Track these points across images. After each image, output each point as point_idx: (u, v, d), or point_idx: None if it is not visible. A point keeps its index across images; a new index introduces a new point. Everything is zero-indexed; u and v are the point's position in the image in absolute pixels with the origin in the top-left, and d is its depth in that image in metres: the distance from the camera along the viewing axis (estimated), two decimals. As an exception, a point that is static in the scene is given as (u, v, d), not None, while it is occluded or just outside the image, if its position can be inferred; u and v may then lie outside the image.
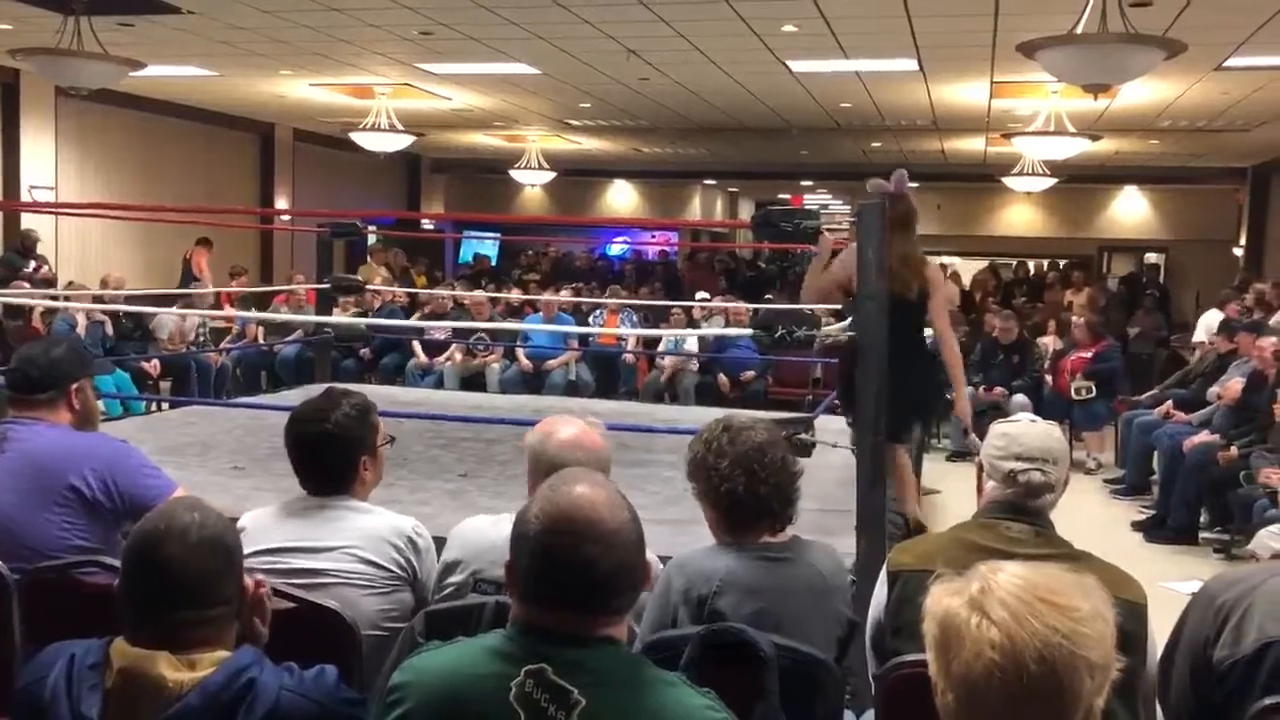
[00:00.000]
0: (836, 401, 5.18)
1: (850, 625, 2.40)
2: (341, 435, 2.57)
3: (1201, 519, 6.65)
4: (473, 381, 9.65)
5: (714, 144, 16.07)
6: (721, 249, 19.80)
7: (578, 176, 19.92)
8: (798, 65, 9.78)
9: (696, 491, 2.53)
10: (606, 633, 1.64)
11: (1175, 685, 2.21)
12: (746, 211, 25.90)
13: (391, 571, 2.49)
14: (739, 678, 2.10)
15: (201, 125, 14.16)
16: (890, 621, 2.31)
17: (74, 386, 2.90)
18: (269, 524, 2.53)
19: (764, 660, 2.13)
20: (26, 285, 9.12)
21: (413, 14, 8.16)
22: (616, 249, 22.11)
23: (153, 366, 9.06)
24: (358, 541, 2.48)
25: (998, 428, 2.40)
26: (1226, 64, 9.07)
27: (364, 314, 10.27)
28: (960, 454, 8.73)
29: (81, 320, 8.75)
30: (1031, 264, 18.41)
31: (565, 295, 11.42)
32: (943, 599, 1.42)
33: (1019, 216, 20.15)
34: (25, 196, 11.25)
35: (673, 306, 10.66)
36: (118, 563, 1.88)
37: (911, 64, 9.52)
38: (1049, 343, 9.95)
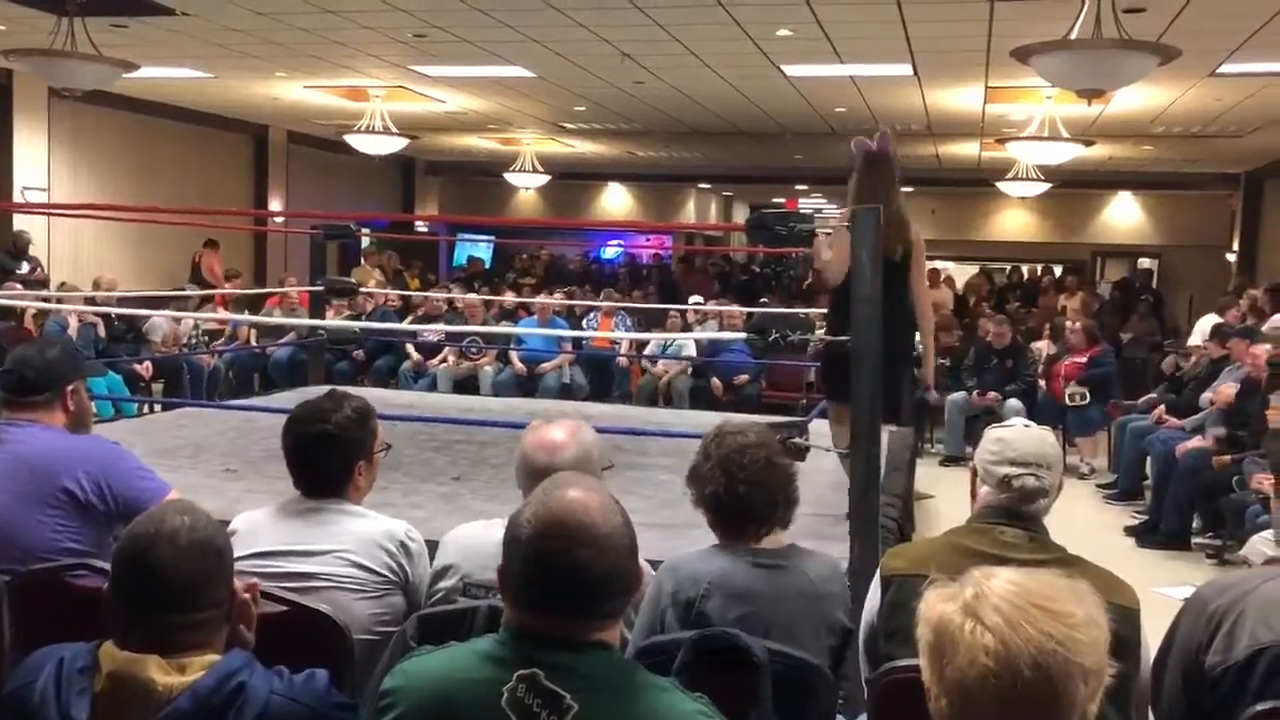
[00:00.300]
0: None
1: (845, 633, 2.39)
2: (341, 437, 2.56)
3: (1194, 524, 6.66)
4: (466, 384, 9.63)
5: (708, 148, 16.09)
6: (716, 252, 19.81)
7: (572, 179, 19.93)
8: (792, 69, 9.79)
9: (693, 498, 2.54)
10: (599, 637, 1.64)
11: (1167, 691, 2.21)
12: (741, 215, 25.92)
13: (383, 576, 2.48)
14: (732, 683, 2.09)
15: (195, 127, 14.14)
16: (883, 626, 2.31)
17: (69, 388, 2.89)
18: (261, 527, 2.52)
19: (757, 665, 2.13)
20: (19, 286, 9.09)
21: (407, 16, 8.15)
22: (610, 252, 22.11)
23: (145, 368, 9.03)
24: (350, 545, 2.47)
25: (992, 433, 2.40)
26: (1220, 70, 9.09)
27: (357, 317, 10.25)
28: (954, 459, 8.75)
29: (73, 322, 8.71)
30: (1025, 269, 18.45)
31: (557, 298, 11.40)
32: (937, 604, 1.41)
33: (1013, 221, 20.19)
34: (18, 197, 11.23)
35: (667, 310, 10.65)
36: (108, 566, 1.87)
37: (906, 69, 9.53)
38: (1042, 347, 9.97)
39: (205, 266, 13.24)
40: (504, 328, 10.09)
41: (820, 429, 4.58)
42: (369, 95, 11.97)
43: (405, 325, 10.17)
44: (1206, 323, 9.60)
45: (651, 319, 11.29)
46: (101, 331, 9.13)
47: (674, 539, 2.77)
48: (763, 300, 12.66)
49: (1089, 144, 11.82)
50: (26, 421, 2.80)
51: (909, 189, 4.50)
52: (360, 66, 10.40)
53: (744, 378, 9.48)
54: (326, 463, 2.56)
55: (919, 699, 1.44)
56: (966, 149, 15.01)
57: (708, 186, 23.61)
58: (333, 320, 8.65)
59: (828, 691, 2.22)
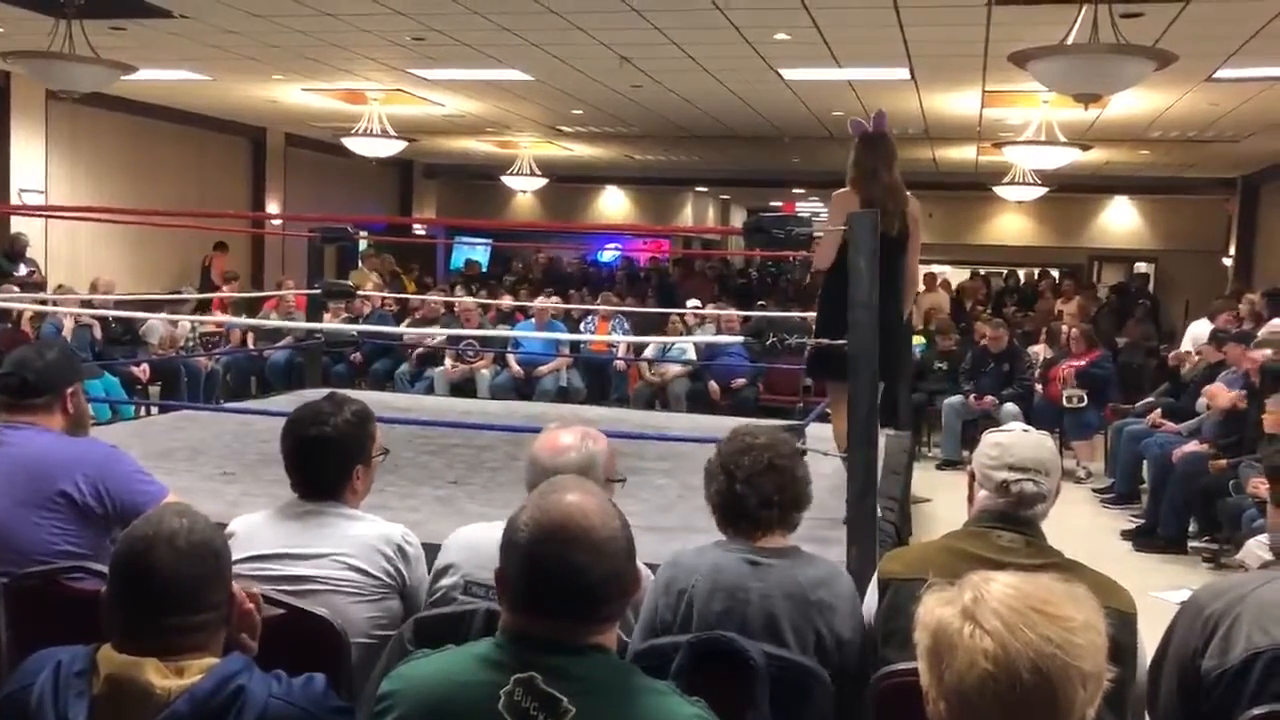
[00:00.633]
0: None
1: (838, 643, 2.38)
2: (339, 440, 2.56)
3: (1190, 528, 6.66)
4: (463, 387, 9.62)
5: (706, 151, 16.10)
6: (713, 256, 19.82)
7: (570, 183, 19.94)
8: (790, 73, 9.80)
9: (706, 493, 2.58)
10: (596, 641, 1.64)
11: (1164, 695, 2.21)
12: (738, 218, 25.95)
13: (381, 579, 2.48)
14: (729, 686, 2.10)
15: (193, 129, 14.14)
16: (880, 630, 2.32)
17: (68, 391, 2.90)
18: (259, 529, 2.52)
19: (754, 669, 2.14)
20: (16, 289, 9.08)
21: (405, 19, 8.15)
22: (608, 255, 22.13)
23: (142, 371, 9.02)
24: (347, 549, 2.47)
25: (990, 437, 2.40)
26: (1216, 75, 9.11)
27: (354, 319, 10.24)
28: (951, 463, 8.76)
29: (68, 324, 8.70)
30: (1022, 273, 18.47)
31: (548, 301, 11.38)
32: (935, 608, 1.42)
33: (1010, 225, 20.21)
34: (15, 200, 11.22)
35: (668, 314, 10.65)
36: (106, 569, 1.87)
37: (903, 73, 9.55)
38: (1039, 351, 9.98)
39: (215, 270, 13.27)
40: (502, 331, 10.08)
41: (818, 433, 4.58)
42: (367, 98, 11.98)
43: (403, 328, 10.16)
44: (1198, 328, 9.61)
45: (648, 323, 11.27)
46: (98, 334, 9.13)
47: (671, 542, 2.77)
48: (761, 303, 12.66)
49: (1086, 148, 11.84)
50: (25, 424, 2.80)
51: (907, 192, 4.48)
52: (358, 69, 10.40)
53: (741, 381, 9.48)
54: (325, 465, 2.56)
55: (916, 702, 1.45)
56: (963, 153, 15.03)
57: (705, 190, 23.62)
58: (330, 323, 8.65)
59: (824, 695, 2.22)
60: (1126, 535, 6.93)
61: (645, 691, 1.63)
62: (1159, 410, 7.85)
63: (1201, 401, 7.33)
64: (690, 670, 2.13)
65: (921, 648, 1.42)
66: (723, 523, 2.51)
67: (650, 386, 9.74)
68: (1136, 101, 10.22)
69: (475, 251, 20.48)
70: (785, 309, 10.51)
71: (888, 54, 8.77)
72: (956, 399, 9.01)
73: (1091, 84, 6.52)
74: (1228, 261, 16.76)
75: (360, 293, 9.85)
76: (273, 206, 15.64)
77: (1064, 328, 9.80)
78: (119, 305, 9.11)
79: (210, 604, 1.78)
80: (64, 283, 10.79)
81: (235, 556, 2.35)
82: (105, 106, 11.85)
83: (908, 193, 4.20)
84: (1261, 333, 7.33)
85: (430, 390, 9.52)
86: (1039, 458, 2.31)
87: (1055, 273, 18.33)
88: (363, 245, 14.94)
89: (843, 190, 4.13)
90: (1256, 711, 1.99)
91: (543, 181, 17.28)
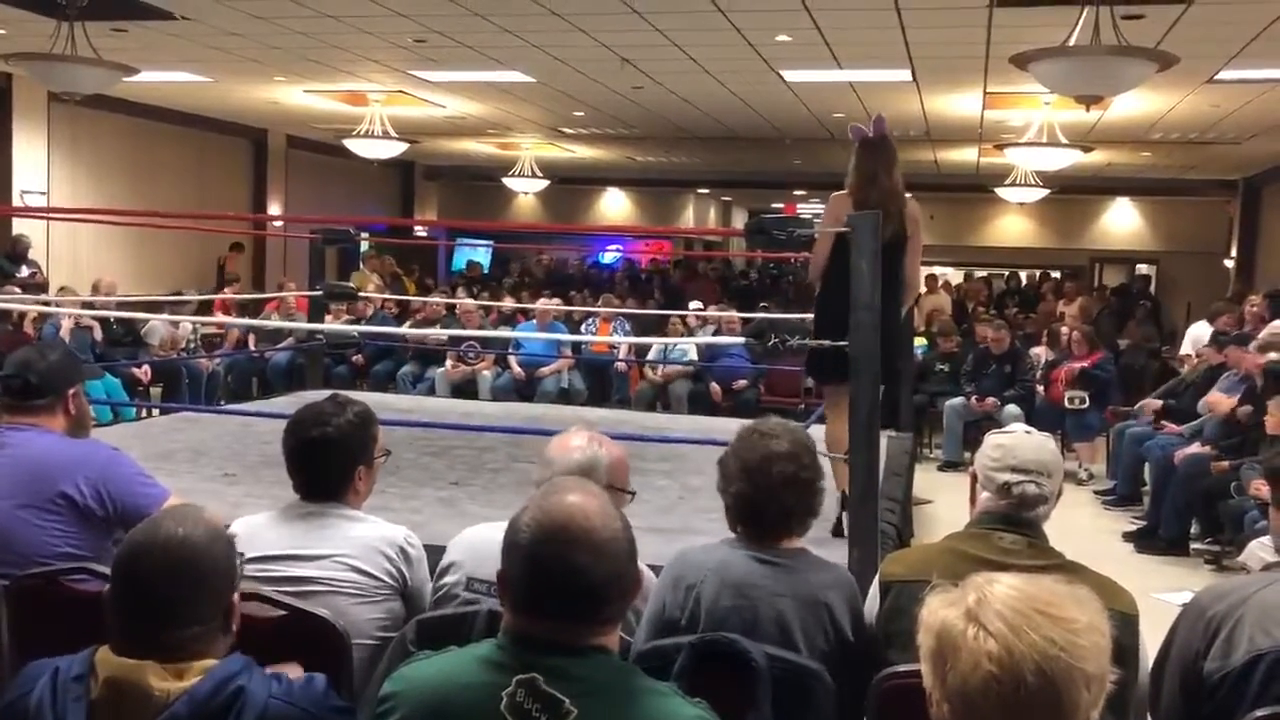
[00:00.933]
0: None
1: (842, 642, 2.38)
2: (342, 442, 2.56)
3: (1192, 530, 6.66)
4: (464, 389, 9.62)
5: (707, 152, 16.10)
6: (715, 257, 19.82)
7: (571, 184, 19.94)
8: (791, 75, 9.80)
9: (718, 484, 2.56)
10: (598, 642, 1.64)
11: (1166, 697, 2.21)
12: (739, 220, 25.97)
13: (382, 581, 2.48)
14: (731, 688, 2.09)
15: (194, 131, 14.15)
16: (882, 631, 2.31)
17: (70, 392, 2.90)
18: (261, 531, 2.51)
19: (755, 670, 2.13)
20: (18, 290, 9.08)
21: (406, 21, 8.16)
22: (609, 257, 22.14)
23: (144, 372, 9.03)
24: (349, 550, 2.47)
25: (993, 439, 2.40)
26: (1218, 77, 9.11)
27: (357, 321, 10.24)
28: (952, 464, 8.75)
29: (65, 324, 8.70)
30: (1024, 274, 18.47)
31: (548, 303, 11.38)
32: (938, 610, 1.41)
33: (1011, 227, 20.21)
34: (17, 201, 11.23)
35: (669, 316, 10.64)
36: (108, 570, 1.86)
37: (905, 74, 9.55)
38: (1041, 353, 9.97)
39: (230, 269, 13.30)
40: (503, 332, 10.08)
41: (820, 434, 4.57)
42: (368, 100, 11.98)
43: (405, 330, 10.15)
44: (1198, 330, 9.60)
45: (649, 325, 11.27)
46: (98, 335, 9.13)
47: (673, 544, 2.77)
48: (763, 305, 12.66)
49: (1087, 150, 11.84)
50: (26, 425, 2.80)
51: (907, 194, 4.46)
52: (360, 71, 10.41)
53: (742, 382, 9.49)
54: (327, 466, 2.56)
55: (919, 704, 1.44)
56: (965, 155, 15.03)
57: (706, 191, 23.63)
58: (331, 324, 8.65)
59: (826, 696, 2.22)
60: (1128, 537, 6.92)
61: (647, 693, 1.63)
62: (1160, 405, 7.87)
63: (1203, 403, 7.33)
64: (692, 671, 2.12)
65: (925, 649, 1.42)
66: (734, 522, 2.50)
67: (652, 387, 9.75)
68: (1138, 103, 10.22)
69: (477, 253, 20.49)
70: (786, 310, 10.50)
71: (889, 55, 8.77)
72: (958, 400, 9.00)
73: (1093, 86, 6.52)
74: (1229, 263, 16.76)
75: (362, 294, 9.84)
76: (274, 208, 15.65)
77: (1064, 329, 9.79)
78: (120, 307, 9.11)
79: (198, 618, 1.74)
80: (66, 284, 10.79)
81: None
82: (107, 108, 11.85)
83: (908, 195, 4.20)
84: (1262, 334, 7.32)
85: (431, 392, 9.52)
86: (1041, 459, 2.31)
87: (1056, 274, 18.34)
88: (364, 247, 14.94)
89: (838, 194, 4.14)
90: (1259, 714, 1.99)
91: (544, 183, 17.28)
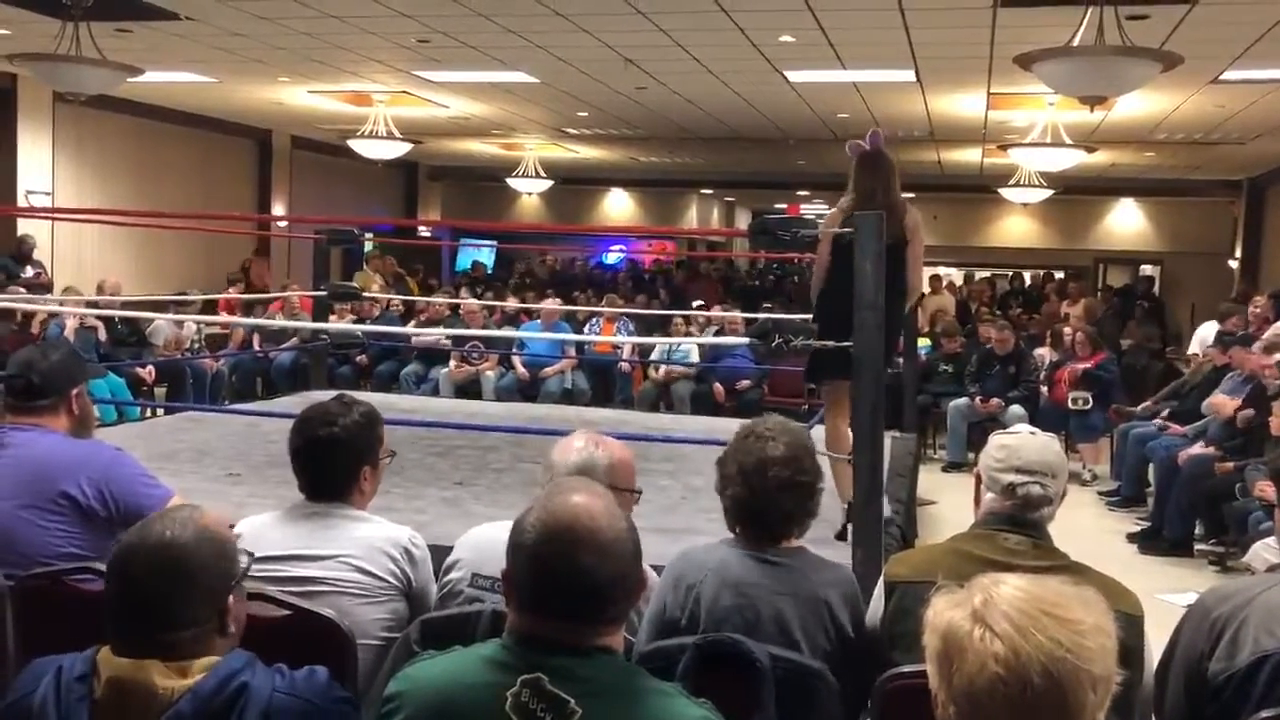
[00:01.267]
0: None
1: (843, 639, 2.38)
2: (348, 441, 2.56)
3: (1196, 531, 6.65)
4: (468, 389, 9.63)
5: (711, 153, 16.10)
6: (718, 257, 19.82)
7: (574, 185, 19.95)
8: (795, 75, 9.80)
9: (717, 484, 2.56)
10: (603, 642, 1.64)
11: (1170, 698, 2.21)
12: (743, 220, 25.97)
13: (387, 581, 2.48)
14: (735, 688, 2.09)
15: (199, 131, 14.17)
16: (887, 632, 2.31)
17: (74, 392, 2.90)
18: (266, 531, 2.51)
19: (759, 670, 2.13)
20: (23, 291, 9.09)
21: (410, 22, 8.16)
22: (612, 257, 22.15)
23: (148, 372, 9.04)
24: (354, 550, 2.47)
25: (997, 439, 2.39)
26: (1223, 77, 9.10)
27: (361, 321, 10.24)
28: (956, 465, 8.75)
29: (70, 324, 8.72)
30: (1028, 275, 18.46)
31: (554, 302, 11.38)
32: (944, 611, 1.41)
33: (1015, 228, 20.20)
34: (22, 201, 11.24)
35: (673, 316, 10.65)
36: (111, 570, 1.86)
37: (909, 75, 9.54)
38: (1045, 354, 9.96)
39: (255, 273, 13.34)
40: (507, 332, 10.08)
41: (821, 435, 4.57)
42: (372, 100, 11.99)
43: (409, 329, 10.16)
44: (1206, 330, 9.58)
45: (653, 325, 11.28)
46: (103, 335, 9.14)
47: (676, 544, 2.77)
48: (766, 305, 12.66)
49: (1091, 150, 11.83)
50: (30, 425, 2.80)
51: (910, 195, 4.47)
52: (364, 71, 10.42)
53: (746, 383, 9.49)
54: (333, 466, 2.56)
55: (924, 705, 1.44)
56: (969, 155, 15.01)
57: (710, 192, 23.64)
58: (335, 324, 8.66)
59: (829, 696, 2.22)
60: (1132, 538, 6.92)
61: (652, 693, 1.62)
62: (1165, 411, 7.85)
63: (1206, 404, 7.32)
64: (696, 672, 2.13)
65: (931, 650, 1.42)
66: (733, 523, 2.50)
67: (655, 387, 9.75)
68: (1142, 103, 10.20)
69: (481, 253, 20.50)
70: (789, 311, 10.51)
71: (893, 56, 8.76)
72: (962, 401, 9.00)
73: (1097, 86, 6.51)
74: (1233, 264, 16.74)
75: (367, 294, 9.85)
76: (278, 208, 15.67)
77: (1067, 331, 9.79)
78: (125, 307, 9.12)
79: (191, 619, 1.73)
80: (70, 285, 10.81)
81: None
82: (111, 108, 11.87)
83: (907, 202, 4.20)
84: (1267, 335, 7.32)
85: (435, 392, 9.52)
86: (1046, 460, 2.30)
87: (1060, 275, 18.32)
88: (368, 247, 14.95)
89: (833, 211, 4.16)
90: (1264, 715, 1.98)
91: (548, 184, 17.30)
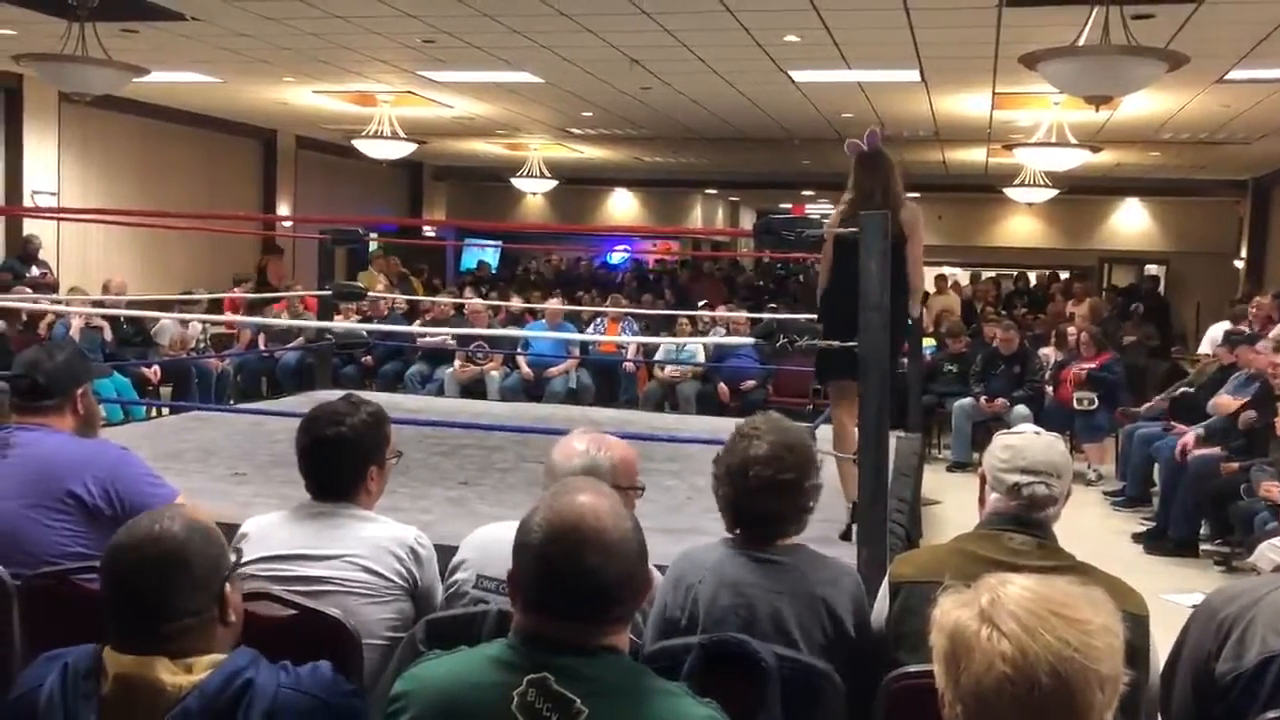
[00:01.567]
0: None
1: (845, 643, 2.38)
2: (355, 441, 2.56)
3: (1202, 531, 6.64)
4: (473, 389, 9.64)
5: (715, 153, 16.10)
6: (723, 257, 19.81)
7: (579, 185, 19.95)
8: (800, 75, 9.79)
9: (713, 484, 2.57)
10: (608, 642, 1.64)
11: (1177, 699, 2.21)
12: (747, 220, 25.95)
13: (393, 581, 2.48)
14: (740, 688, 2.09)
15: (204, 131, 14.19)
16: (892, 632, 2.31)
17: (79, 392, 2.91)
18: (272, 530, 2.52)
19: (765, 670, 2.13)
20: (29, 291, 9.11)
21: (415, 22, 8.17)
22: (617, 257, 22.15)
23: (153, 372, 9.05)
24: (360, 550, 2.47)
25: (1002, 439, 2.39)
26: (1228, 77, 9.08)
27: (367, 321, 10.25)
28: (961, 465, 8.74)
29: (75, 324, 8.73)
30: (1033, 275, 18.42)
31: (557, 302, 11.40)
32: (951, 611, 1.41)
33: (1020, 228, 20.16)
34: (28, 201, 11.27)
35: (678, 316, 10.65)
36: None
37: (913, 74, 9.53)
38: (1049, 353, 9.95)
39: (272, 273, 13.36)
40: (512, 331, 10.09)
41: (826, 435, 4.57)
42: (377, 100, 12.00)
43: (414, 329, 10.17)
44: (1217, 330, 9.56)
45: (657, 325, 11.28)
46: (108, 335, 9.16)
47: (681, 544, 2.77)
48: (771, 305, 12.66)
49: (1096, 150, 11.81)
50: (35, 425, 2.81)
51: (915, 194, 4.48)
52: (369, 72, 10.43)
53: (751, 383, 9.49)
54: (340, 466, 2.57)
55: (929, 704, 1.44)
56: (974, 155, 15.00)
57: (714, 192, 23.62)
58: (342, 323, 8.67)
59: (835, 696, 2.22)
60: (1137, 538, 6.91)
61: (657, 693, 1.63)
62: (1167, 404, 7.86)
63: (1211, 404, 7.31)
64: (702, 672, 2.12)
65: (938, 650, 1.42)
66: (730, 525, 2.51)
67: (660, 387, 9.75)
68: (1147, 103, 10.19)
69: (485, 253, 20.51)
70: (794, 311, 10.51)
71: (898, 56, 8.76)
72: (967, 401, 8.99)
73: (1102, 86, 6.50)
74: (1239, 264, 16.71)
75: (372, 294, 9.86)
76: (283, 208, 15.68)
77: (1071, 330, 9.78)
78: (130, 307, 9.14)
79: (188, 609, 1.74)
80: (76, 285, 10.83)
81: (248, 557, 2.37)
82: (117, 109, 11.89)
83: (906, 199, 4.19)
84: (1272, 334, 7.30)
85: (440, 392, 9.54)
86: (1051, 460, 2.30)
87: (1065, 275, 18.28)
88: (372, 247, 14.96)
89: (835, 211, 4.17)
90: (1271, 715, 1.98)
91: (552, 183, 17.30)
